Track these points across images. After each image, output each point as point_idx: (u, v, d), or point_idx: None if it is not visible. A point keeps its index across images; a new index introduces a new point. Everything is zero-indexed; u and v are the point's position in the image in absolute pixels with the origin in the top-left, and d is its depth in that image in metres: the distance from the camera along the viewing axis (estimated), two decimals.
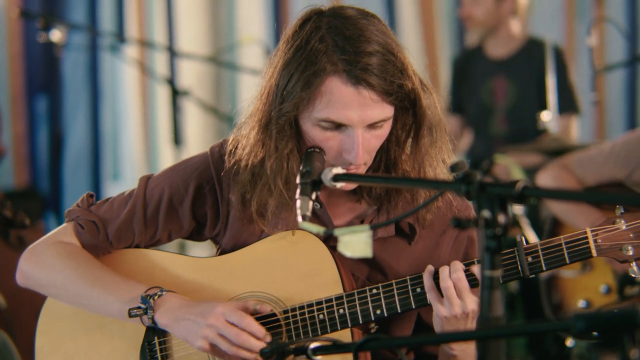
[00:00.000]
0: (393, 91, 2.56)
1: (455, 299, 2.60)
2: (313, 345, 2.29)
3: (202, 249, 5.82)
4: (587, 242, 2.62)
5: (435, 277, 2.65)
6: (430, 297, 2.64)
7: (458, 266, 2.63)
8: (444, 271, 2.62)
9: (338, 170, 2.47)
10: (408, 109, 2.65)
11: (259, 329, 2.63)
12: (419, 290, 2.66)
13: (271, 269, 2.74)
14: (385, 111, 2.58)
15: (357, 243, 2.27)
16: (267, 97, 2.64)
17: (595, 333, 1.86)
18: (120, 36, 7.06)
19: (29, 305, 4.59)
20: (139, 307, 2.69)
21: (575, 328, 1.85)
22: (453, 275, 2.61)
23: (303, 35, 2.59)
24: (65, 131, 7.16)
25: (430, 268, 2.65)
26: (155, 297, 2.69)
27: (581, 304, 4.17)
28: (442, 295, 2.63)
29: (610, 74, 6.70)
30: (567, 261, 2.61)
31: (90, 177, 7.43)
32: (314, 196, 2.45)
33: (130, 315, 2.69)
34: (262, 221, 2.73)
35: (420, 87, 2.63)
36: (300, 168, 2.51)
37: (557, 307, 4.27)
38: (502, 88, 6.10)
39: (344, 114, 2.55)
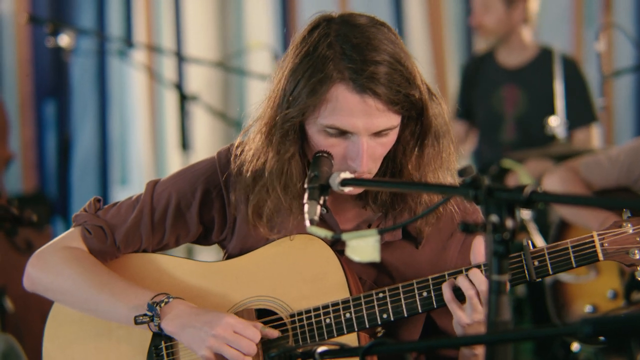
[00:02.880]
0: (399, 101, 2.55)
1: (480, 307, 2.58)
2: (321, 349, 2.29)
3: (209, 254, 5.83)
4: (594, 246, 2.61)
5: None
6: (452, 307, 2.61)
7: (479, 275, 2.59)
8: (464, 281, 2.59)
9: (346, 174, 2.46)
10: (415, 117, 2.64)
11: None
12: (425, 294, 2.65)
13: (277, 273, 2.74)
14: (390, 120, 2.57)
15: (365, 247, 2.27)
16: (274, 101, 2.64)
17: (602, 338, 1.86)
18: (128, 41, 7.06)
19: (36, 309, 4.60)
20: (145, 315, 2.69)
21: (582, 333, 1.85)
22: (477, 285, 2.58)
23: (311, 41, 2.59)
24: (73, 136, 7.17)
25: (451, 280, 2.62)
26: (162, 304, 2.69)
27: (588, 309, 4.16)
28: (461, 304, 2.60)
29: (618, 80, 6.69)
30: (574, 265, 2.61)
31: (98, 181, 7.44)
32: (321, 201, 2.44)
33: (136, 322, 2.69)
34: (260, 222, 2.73)
35: (428, 97, 2.62)
36: (309, 172, 2.51)
37: (564, 312, 4.26)
38: (514, 97, 6.06)
39: (349, 121, 2.54)
